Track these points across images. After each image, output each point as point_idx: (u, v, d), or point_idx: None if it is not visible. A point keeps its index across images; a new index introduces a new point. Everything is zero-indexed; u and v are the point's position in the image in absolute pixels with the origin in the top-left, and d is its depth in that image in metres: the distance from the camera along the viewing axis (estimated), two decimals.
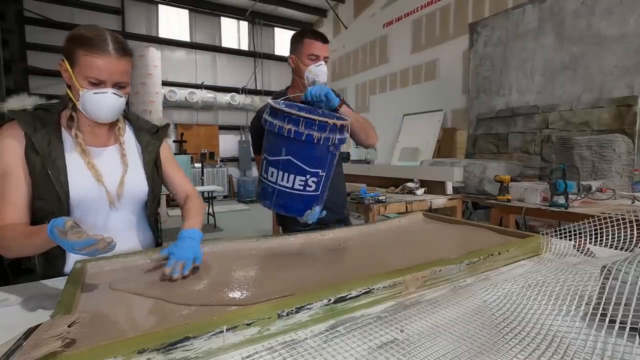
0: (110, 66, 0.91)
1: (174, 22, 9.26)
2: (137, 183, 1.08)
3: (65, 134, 0.99)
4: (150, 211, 1.14)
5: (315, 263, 0.93)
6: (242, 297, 0.70)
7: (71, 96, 0.96)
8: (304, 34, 1.44)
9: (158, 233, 1.20)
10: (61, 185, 0.94)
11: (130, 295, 0.71)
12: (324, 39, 1.44)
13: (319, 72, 1.40)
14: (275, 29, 10.63)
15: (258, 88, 10.20)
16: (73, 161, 0.98)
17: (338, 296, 0.64)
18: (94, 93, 0.92)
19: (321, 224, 1.30)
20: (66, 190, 0.94)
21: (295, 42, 1.45)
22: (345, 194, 1.71)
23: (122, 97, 0.96)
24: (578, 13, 4.16)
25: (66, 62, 0.92)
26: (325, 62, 1.43)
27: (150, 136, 1.15)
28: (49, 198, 0.94)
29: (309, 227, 1.28)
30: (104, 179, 1.00)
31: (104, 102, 0.93)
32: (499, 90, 5.06)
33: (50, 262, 0.98)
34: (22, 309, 0.70)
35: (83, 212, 0.99)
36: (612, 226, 1.01)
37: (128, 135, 1.12)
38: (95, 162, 1.01)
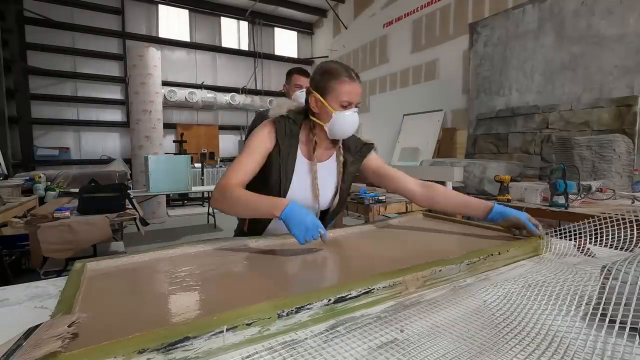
0: (355, 90, 1.10)
1: (174, 22, 9.26)
2: (332, 196, 1.24)
3: (299, 148, 1.18)
4: (327, 221, 1.27)
5: (314, 263, 0.93)
6: (243, 297, 0.70)
7: (317, 120, 1.14)
8: (293, 71, 2.27)
9: None
10: (285, 190, 1.15)
11: (130, 295, 0.71)
12: (306, 74, 2.23)
13: (301, 97, 1.99)
14: (275, 29, 10.63)
15: (258, 88, 10.20)
16: (298, 175, 1.17)
17: (338, 296, 0.64)
18: (350, 113, 1.11)
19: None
20: (285, 194, 1.15)
21: (287, 75, 2.29)
22: None
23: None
24: (578, 13, 4.16)
25: (316, 92, 1.12)
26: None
27: (353, 155, 1.26)
28: (272, 192, 1.12)
29: None
30: (320, 194, 1.19)
31: (353, 120, 1.12)
32: (499, 90, 5.07)
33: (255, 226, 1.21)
34: (22, 309, 0.70)
35: None
36: (612, 226, 1.01)
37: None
38: (318, 175, 1.18)
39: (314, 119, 1.15)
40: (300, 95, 2.12)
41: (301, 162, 1.18)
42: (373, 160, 1.30)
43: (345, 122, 1.11)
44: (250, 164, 1.10)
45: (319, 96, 1.11)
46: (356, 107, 1.13)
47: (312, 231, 0.92)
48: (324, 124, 1.13)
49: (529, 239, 1.05)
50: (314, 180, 1.17)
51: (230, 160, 9.75)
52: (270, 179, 1.14)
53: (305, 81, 2.19)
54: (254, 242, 1.08)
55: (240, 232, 1.27)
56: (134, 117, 6.26)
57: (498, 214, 1.12)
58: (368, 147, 1.28)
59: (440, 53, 6.54)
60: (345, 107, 1.10)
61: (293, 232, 0.92)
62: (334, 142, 1.21)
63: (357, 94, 1.11)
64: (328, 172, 1.22)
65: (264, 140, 1.13)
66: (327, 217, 1.27)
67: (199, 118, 9.63)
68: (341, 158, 1.23)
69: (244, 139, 9.90)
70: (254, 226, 1.22)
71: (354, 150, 1.26)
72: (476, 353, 0.52)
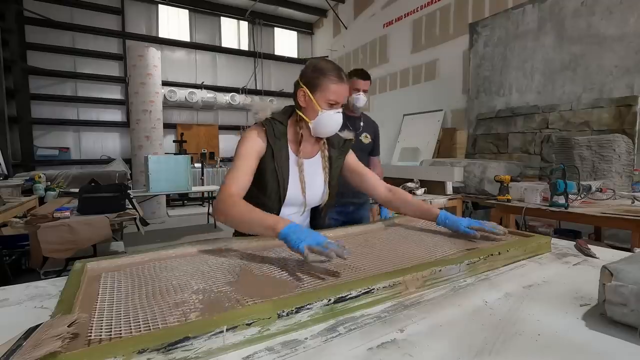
0: (344, 91, 1.14)
1: (174, 22, 9.26)
2: (322, 191, 1.27)
3: (289, 147, 1.20)
4: (320, 217, 1.32)
5: (314, 263, 0.93)
6: (243, 297, 0.70)
7: (303, 115, 1.16)
8: (352, 73, 2.06)
9: None
10: (285, 190, 1.17)
11: (130, 295, 0.71)
12: (366, 77, 2.08)
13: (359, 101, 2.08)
14: (275, 29, 10.63)
15: (258, 88, 10.20)
16: (292, 172, 1.19)
17: (338, 296, 0.64)
18: (334, 112, 1.14)
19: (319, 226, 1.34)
20: (285, 194, 1.17)
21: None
22: None
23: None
24: (578, 13, 4.16)
25: (306, 87, 1.13)
26: (364, 93, 2.10)
27: (337, 150, 1.30)
28: (271, 195, 1.16)
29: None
30: (306, 188, 1.21)
31: (337, 120, 1.16)
32: (499, 90, 5.06)
33: None
34: (22, 309, 0.70)
35: (285, 210, 1.21)
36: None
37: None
38: (305, 173, 1.21)
39: (300, 113, 1.17)
40: (357, 99, 2.06)
41: (293, 160, 1.21)
42: (352, 156, 1.36)
43: (330, 121, 1.15)
44: (246, 169, 1.11)
45: (308, 91, 1.14)
46: (340, 107, 1.17)
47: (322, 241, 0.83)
48: (309, 121, 1.16)
49: (529, 238, 1.05)
50: (301, 174, 1.20)
51: (230, 160, 9.76)
52: (269, 181, 1.16)
53: (364, 84, 2.07)
54: (254, 242, 1.08)
55: (240, 232, 1.26)
56: (134, 117, 6.26)
57: (443, 218, 1.17)
58: (349, 142, 1.33)
59: (440, 53, 6.54)
60: (331, 105, 1.13)
61: (298, 247, 0.83)
62: (318, 138, 1.25)
63: (344, 95, 1.15)
64: (315, 168, 1.25)
65: (254, 145, 1.14)
66: (318, 214, 1.32)
67: (199, 118, 9.62)
68: (326, 153, 1.27)
69: None
70: None
71: (337, 146, 1.30)
72: (476, 353, 0.52)
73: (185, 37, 9.35)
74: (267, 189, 1.16)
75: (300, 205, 1.23)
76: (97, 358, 0.45)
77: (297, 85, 1.18)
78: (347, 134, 1.32)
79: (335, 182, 1.30)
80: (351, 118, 2.13)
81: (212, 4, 9.40)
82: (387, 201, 1.32)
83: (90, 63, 8.20)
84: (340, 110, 1.16)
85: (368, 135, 2.21)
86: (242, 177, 1.09)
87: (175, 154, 8.00)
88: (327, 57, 9.77)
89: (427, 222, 1.32)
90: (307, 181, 1.22)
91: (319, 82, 1.12)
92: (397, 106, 7.40)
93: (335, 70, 1.13)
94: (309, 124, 1.16)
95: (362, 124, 2.20)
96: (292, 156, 1.21)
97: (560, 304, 0.69)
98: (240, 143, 1.15)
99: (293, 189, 1.19)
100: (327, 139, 1.27)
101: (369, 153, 2.25)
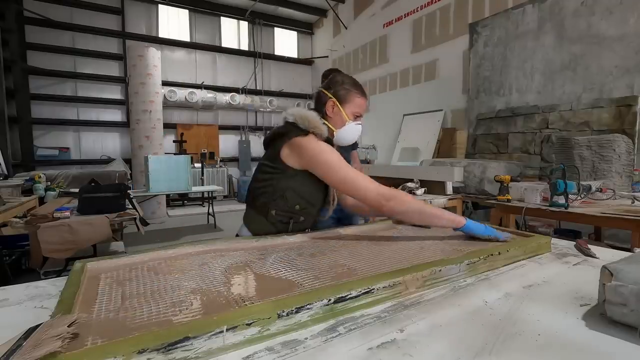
0: (366, 105, 1.30)
1: (174, 22, 9.26)
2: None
3: None
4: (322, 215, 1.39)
5: (314, 263, 0.93)
6: (243, 297, 0.70)
7: (329, 125, 1.25)
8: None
9: None
10: (331, 198, 1.30)
11: (130, 295, 0.71)
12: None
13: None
14: (275, 29, 10.63)
15: (258, 88, 10.19)
16: None
17: (338, 296, 0.64)
18: (356, 124, 1.27)
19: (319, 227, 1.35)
20: (332, 200, 1.31)
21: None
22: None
23: None
24: (578, 13, 4.16)
25: (335, 99, 1.25)
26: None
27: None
28: (316, 202, 1.25)
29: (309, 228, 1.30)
30: None
31: (359, 130, 1.30)
32: (499, 90, 5.06)
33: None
34: (22, 309, 0.70)
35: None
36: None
37: None
38: None
39: (327, 122, 1.25)
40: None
41: None
42: None
43: (354, 131, 1.28)
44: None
45: (337, 103, 1.25)
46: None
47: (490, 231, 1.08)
48: (335, 129, 1.26)
49: (529, 238, 1.05)
50: None
51: (230, 160, 9.76)
52: (319, 189, 1.24)
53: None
54: (254, 242, 1.08)
55: (266, 232, 1.23)
56: (134, 117, 6.26)
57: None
58: (347, 147, 1.44)
59: (440, 53, 6.54)
60: (356, 117, 1.27)
61: (478, 232, 1.08)
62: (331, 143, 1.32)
63: (365, 109, 1.31)
64: None
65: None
66: (323, 211, 1.36)
67: (199, 118, 9.62)
68: None
69: (244, 139, 9.91)
70: (297, 226, 1.26)
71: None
72: (476, 353, 0.52)
73: (185, 37, 9.35)
74: (316, 195, 1.24)
75: (323, 209, 1.33)
76: (97, 358, 0.45)
77: (325, 96, 1.27)
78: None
79: None
80: None
81: (212, 4, 9.40)
82: (354, 205, 1.41)
83: (90, 63, 8.20)
84: (361, 122, 1.29)
85: None
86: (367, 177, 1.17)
87: (175, 154, 8.01)
88: (326, 56, 9.78)
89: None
90: None
91: (347, 96, 1.25)
92: (397, 106, 7.40)
93: (360, 87, 1.28)
94: (334, 132, 1.26)
95: None
96: None
97: (560, 304, 0.69)
98: (327, 153, 1.17)
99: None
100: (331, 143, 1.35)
101: (351, 147, 2.32)
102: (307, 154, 1.16)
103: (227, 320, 0.54)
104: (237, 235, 1.29)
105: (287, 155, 1.18)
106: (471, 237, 1.10)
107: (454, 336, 0.57)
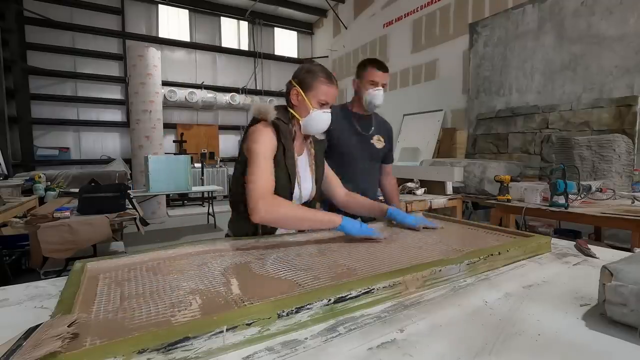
0: (333, 92, 1.24)
1: (174, 22, 9.26)
2: (311, 187, 1.33)
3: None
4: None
5: (313, 263, 0.93)
6: (243, 297, 0.70)
7: (295, 113, 1.24)
8: (368, 63, 1.77)
9: None
10: (295, 186, 1.24)
11: (130, 295, 0.71)
12: (384, 69, 1.76)
13: (376, 96, 1.76)
14: (275, 29, 10.63)
15: (258, 88, 10.20)
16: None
17: (338, 296, 0.64)
18: (323, 112, 1.23)
19: None
20: (293, 190, 1.24)
21: (359, 69, 1.79)
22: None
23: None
24: (578, 13, 4.16)
25: (299, 87, 1.22)
26: (384, 88, 1.77)
27: (320, 149, 1.39)
28: (279, 191, 1.16)
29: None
30: (301, 183, 1.29)
31: (327, 119, 1.25)
32: (499, 90, 5.06)
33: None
34: (22, 309, 0.70)
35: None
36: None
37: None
38: (298, 169, 1.28)
39: (292, 111, 1.25)
40: (374, 96, 1.74)
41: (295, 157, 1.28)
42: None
43: (320, 119, 1.23)
44: (270, 168, 1.15)
45: (300, 91, 1.22)
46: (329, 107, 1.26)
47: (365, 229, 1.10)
48: (300, 118, 1.24)
49: (529, 238, 1.05)
50: (297, 172, 1.27)
51: (230, 160, 9.76)
52: (279, 178, 1.19)
53: (383, 77, 1.74)
54: (254, 242, 1.08)
55: (246, 233, 1.22)
56: (134, 117, 6.26)
57: (392, 213, 1.31)
58: (324, 141, 1.43)
59: (440, 53, 6.53)
60: (322, 105, 1.23)
61: (352, 232, 1.09)
62: (306, 136, 1.32)
63: (333, 96, 1.24)
64: (305, 165, 1.32)
65: (271, 145, 1.18)
66: (313, 201, 1.37)
67: (199, 118, 9.62)
68: (312, 151, 1.35)
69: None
70: (267, 229, 1.24)
71: (317, 143, 1.39)
72: (476, 353, 0.52)
73: (185, 37, 9.35)
74: (279, 184, 1.19)
75: (298, 200, 1.29)
76: (97, 358, 0.45)
77: (290, 85, 1.25)
78: (320, 135, 1.38)
79: (321, 177, 1.38)
80: (361, 118, 1.84)
81: (212, 4, 9.40)
82: (345, 205, 1.43)
83: (90, 63, 8.20)
84: (329, 110, 1.25)
85: (381, 138, 1.89)
86: (270, 176, 1.13)
87: (175, 154, 8.01)
88: (326, 56, 9.78)
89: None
90: (301, 177, 1.28)
91: (311, 83, 1.21)
92: (397, 106, 7.40)
93: (326, 73, 1.23)
94: (300, 122, 1.23)
95: (373, 125, 1.88)
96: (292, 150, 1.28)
97: (560, 304, 0.69)
98: (257, 142, 1.16)
99: (295, 185, 1.26)
100: (313, 138, 1.35)
101: (382, 160, 1.94)
102: (247, 143, 1.19)
103: (227, 320, 0.54)
104: (226, 236, 1.30)
105: (246, 149, 1.21)
106: (351, 239, 1.11)
107: (454, 336, 0.57)
